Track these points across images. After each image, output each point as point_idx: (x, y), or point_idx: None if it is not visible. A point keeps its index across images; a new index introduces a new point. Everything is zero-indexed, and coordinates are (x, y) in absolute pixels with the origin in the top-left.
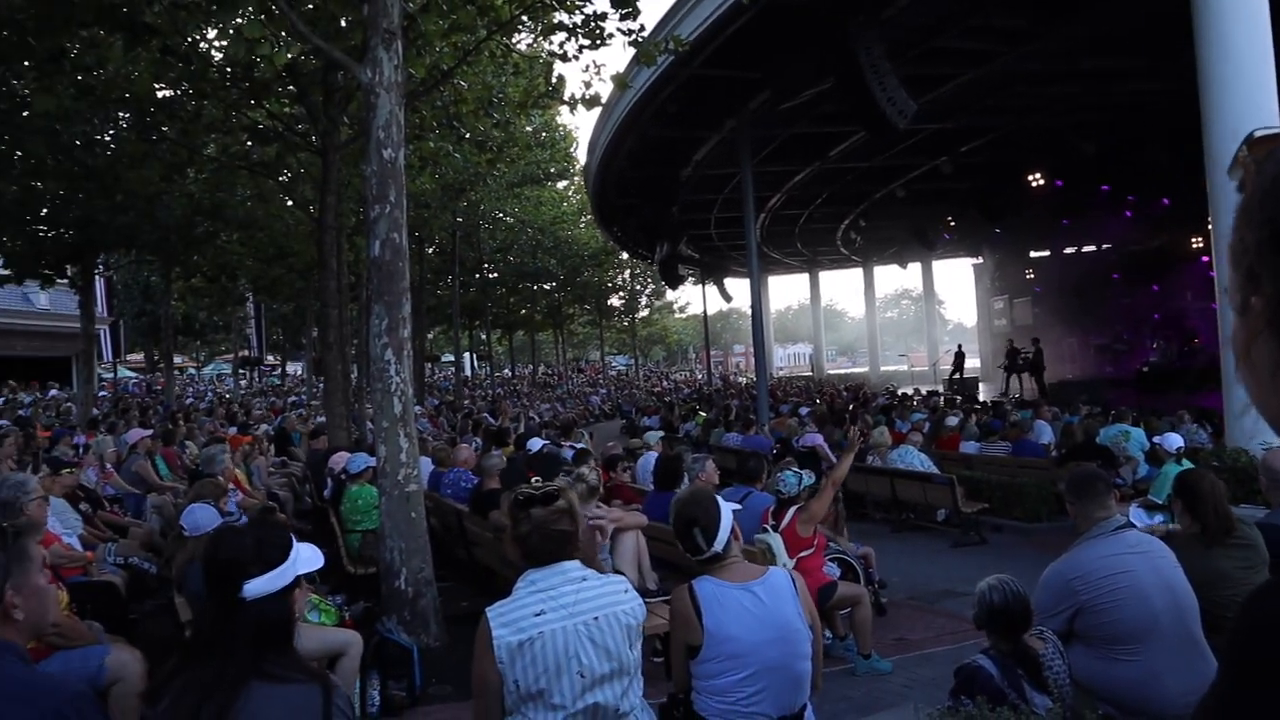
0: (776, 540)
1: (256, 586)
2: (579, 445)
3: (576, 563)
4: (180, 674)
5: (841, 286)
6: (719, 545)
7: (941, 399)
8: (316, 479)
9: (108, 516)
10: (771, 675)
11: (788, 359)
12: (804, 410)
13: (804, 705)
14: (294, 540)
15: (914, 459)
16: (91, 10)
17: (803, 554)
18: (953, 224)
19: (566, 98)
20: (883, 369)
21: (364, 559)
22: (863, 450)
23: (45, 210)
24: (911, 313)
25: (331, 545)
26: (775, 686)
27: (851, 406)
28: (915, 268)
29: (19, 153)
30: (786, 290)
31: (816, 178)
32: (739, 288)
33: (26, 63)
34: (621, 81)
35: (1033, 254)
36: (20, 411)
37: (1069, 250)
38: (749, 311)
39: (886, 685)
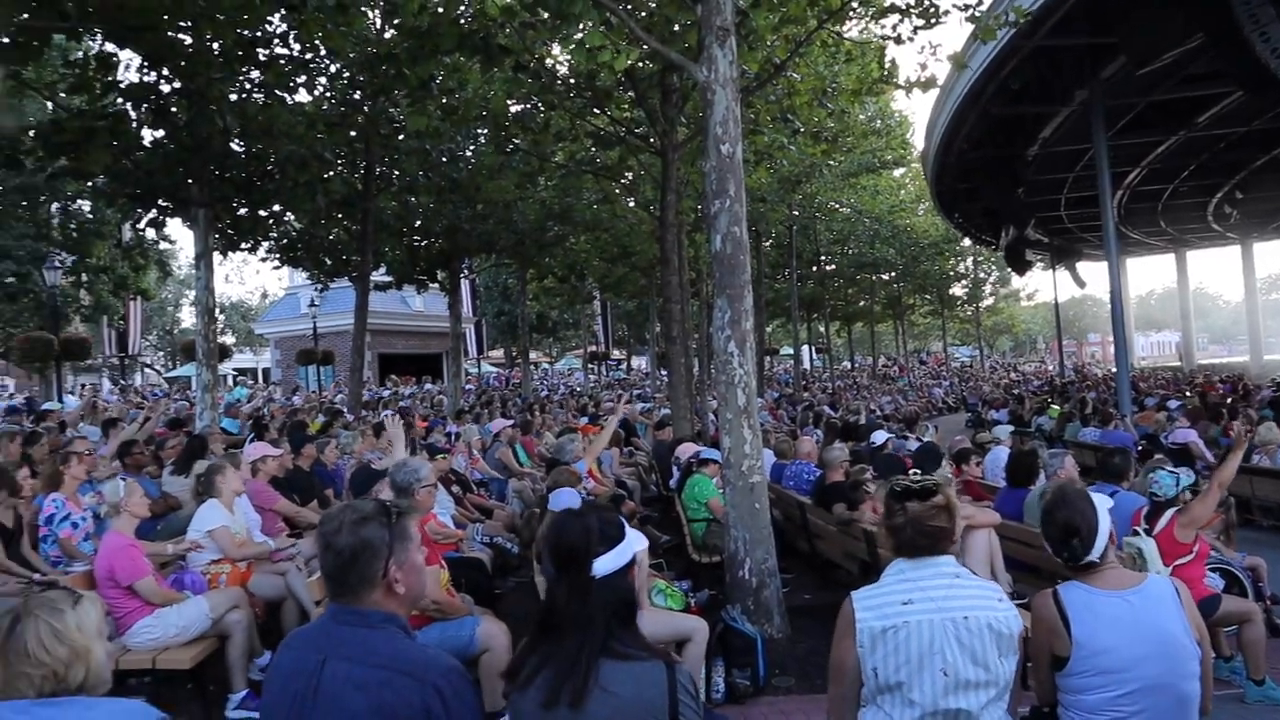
0: (1150, 545)
1: (604, 564)
2: (925, 439)
3: (951, 559)
4: (536, 650)
5: (1212, 267)
6: (1095, 553)
7: None
8: (662, 468)
9: (475, 499)
10: (1152, 694)
11: (1150, 348)
12: (1173, 404)
13: None
14: (624, 521)
15: None
16: (453, 39)
17: (1180, 561)
18: None
19: (901, 82)
20: (1266, 358)
21: (708, 547)
22: (1248, 449)
23: (418, 222)
24: None
25: (677, 533)
26: (1157, 707)
27: (1230, 400)
28: None
29: (396, 172)
30: (1148, 273)
31: (1181, 148)
32: (1093, 272)
33: (399, 91)
34: (959, 61)
35: None
36: (401, 403)
37: None
38: (1104, 297)
39: None
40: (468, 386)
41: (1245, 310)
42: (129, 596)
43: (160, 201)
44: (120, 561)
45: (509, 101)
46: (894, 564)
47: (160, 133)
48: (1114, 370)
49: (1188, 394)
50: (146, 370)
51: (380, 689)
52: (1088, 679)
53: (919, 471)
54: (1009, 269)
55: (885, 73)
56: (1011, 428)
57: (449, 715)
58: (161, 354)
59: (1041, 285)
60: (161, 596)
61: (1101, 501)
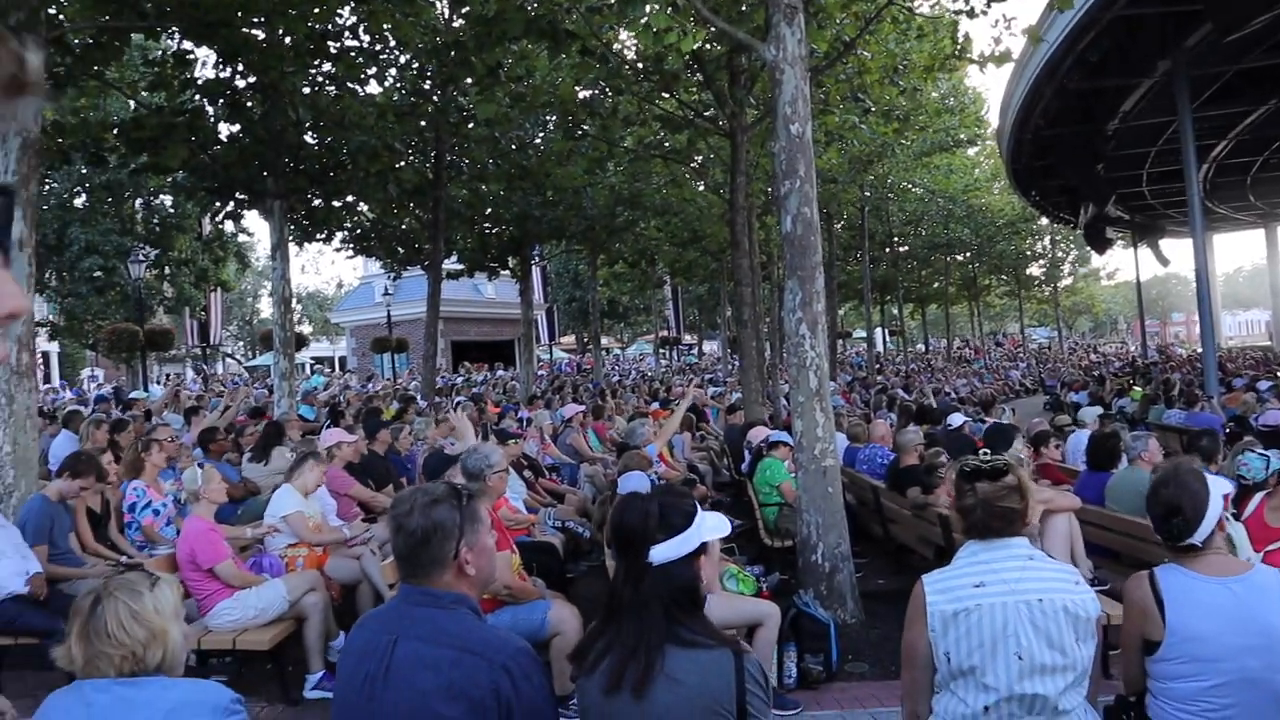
0: (1239, 530)
1: (662, 552)
2: (1003, 421)
3: (1025, 541)
4: (602, 635)
5: None
6: (1199, 536)
7: None
8: (734, 452)
9: (547, 484)
10: (1247, 689)
11: (1238, 327)
12: (1263, 385)
13: None
14: (698, 507)
15: None
16: (520, 24)
17: (1271, 547)
18: None
19: (975, 57)
20: None
21: (780, 532)
22: None
23: (489, 209)
24: None
25: (749, 517)
26: (1253, 703)
27: None
28: None
29: (466, 160)
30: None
31: (1271, 118)
32: (1178, 249)
33: (468, 80)
34: (1035, 34)
35: None
36: (474, 389)
37: None
38: (1189, 275)
39: None
40: (540, 372)
41: None
42: (209, 579)
43: (237, 195)
44: (201, 545)
45: (576, 87)
46: (966, 546)
47: (236, 127)
48: (1199, 351)
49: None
50: (227, 359)
51: (450, 668)
52: (1179, 666)
53: (989, 451)
54: (1088, 247)
55: (958, 48)
56: (1099, 410)
57: (518, 695)
58: (241, 343)
59: (1123, 264)
60: (241, 579)
61: (1217, 485)
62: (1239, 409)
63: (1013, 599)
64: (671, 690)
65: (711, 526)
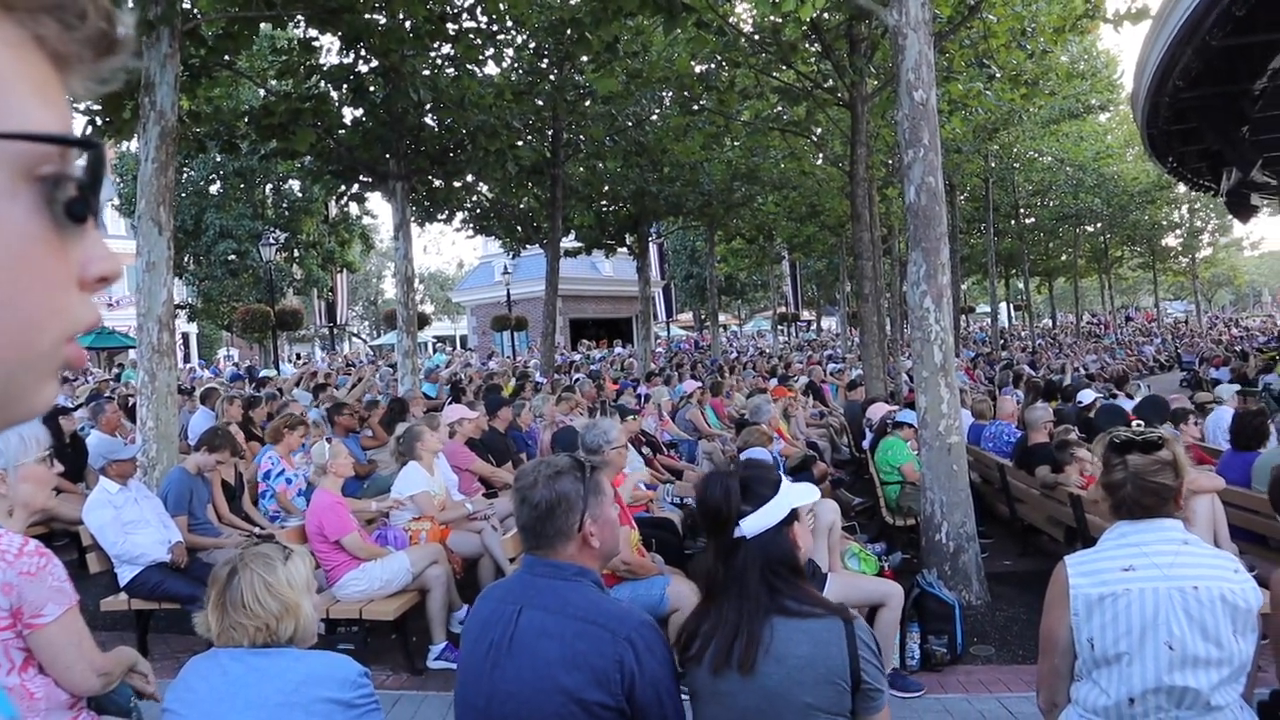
0: None
1: (752, 523)
2: (1135, 396)
3: (1178, 523)
4: (705, 618)
5: None
6: None
7: None
8: (854, 429)
9: (666, 460)
10: None
11: None
12: None
13: None
14: (783, 477)
15: None
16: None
17: None
18: None
19: (1109, 16)
20: None
21: (903, 510)
22: None
23: (606, 187)
24: None
25: (870, 494)
26: None
27: None
28: None
29: (583, 138)
30: None
31: None
32: None
33: (584, 57)
34: None
35: None
36: (592, 366)
37: None
38: None
39: None
40: (657, 349)
41: None
42: (337, 550)
43: (361, 177)
44: (328, 518)
45: (692, 61)
46: (1114, 527)
47: (359, 111)
48: None
49: None
50: (353, 339)
51: (574, 639)
52: None
53: (1142, 424)
54: (1230, 216)
55: (1090, 7)
56: (1237, 387)
57: (641, 668)
58: (367, 323)
59: (1268, 232)
60: (366, 551)
61: None
62: None
63: (1165, 585)
64: (782, 663)
65: (800, 493)
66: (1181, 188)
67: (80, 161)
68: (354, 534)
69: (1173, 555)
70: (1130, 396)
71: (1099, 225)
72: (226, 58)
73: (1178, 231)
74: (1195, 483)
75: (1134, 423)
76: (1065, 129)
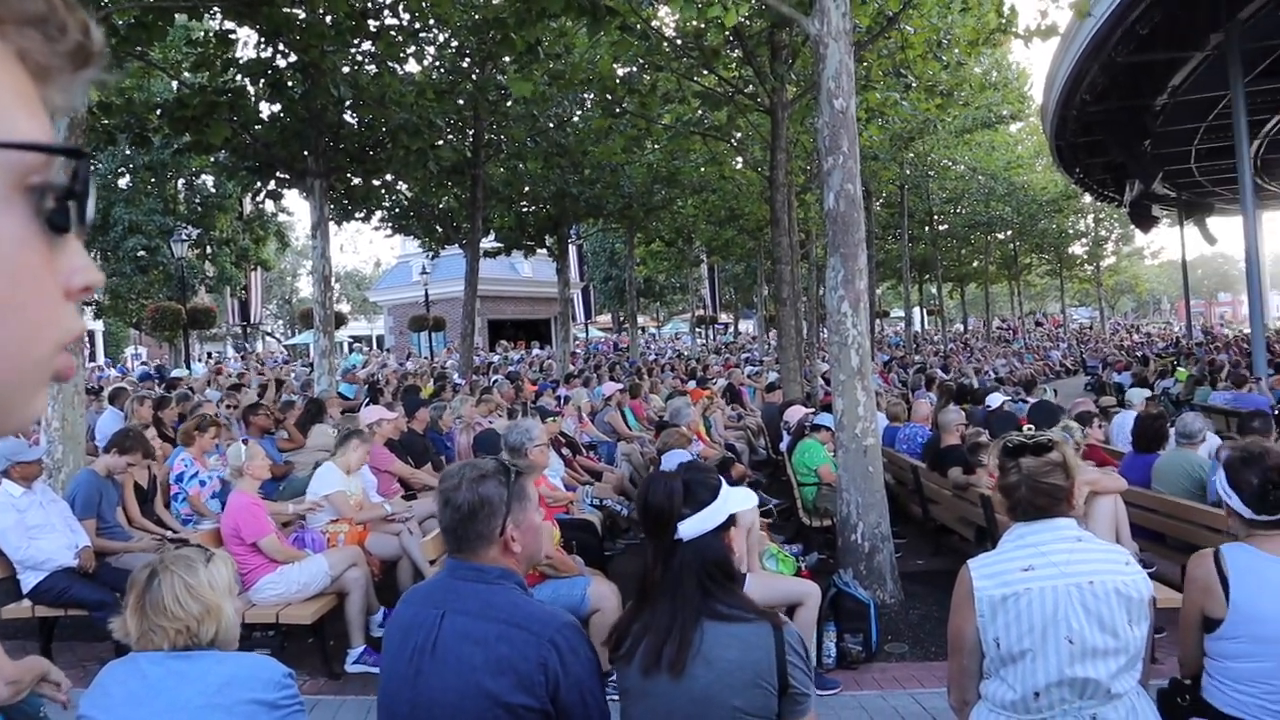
0: None
1: (690, 526)
2: (1043, 400)
3: (1072, 521)
4: (637, 618)
5: None
6: None
7: None
8: (771, 431)
9: (585, 462)
10: None
11: None
12: None
13: None
14: (723, 482)
15: None
16: (560, 1)
17: None
18: None
19: (1020, 31)
20: None
21: (819, 511)
22: None
23: (527, 188)
24: None
25: (787, 496)
26: None
27: None
28: None
29: (505, 138)
30: None
31: None
32: (1224, 227)
33: (508, 57)
34: (1083, 8)
35: None
36: (511, 368)
37: None
38: (1235, 254)
39: None
40: (575, 351)
41: None
42: (253, 553)
43: (278, 174)
44: (245, 520)
45: (615, 64)
46: (1012, 529)
47: (277, 106)
48: (1246, 331)
49: None
50: (267, 338)
51: (497, 643)
52: (1240, 645)
53: (1034, 429)
54: (1133, 226)
55: (1003, 21)
56: (1147, 392)
57: (565, 670)
58: (281, 322)
59: (1168, 242)
60: (284, 554)
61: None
62: None
63: (1063, 582)
64: (711, 666)
65: (739, 499)
66: (1088, 198)
67: (63, 171)
68: (271, 536)
69: (1068, 553)
70: (1040, 400)
71: (1009, 233)
72: (139, 49)
73: (1083, 240)
74: (1099, 484)
75: (1025, 427)
76: (978, 138)
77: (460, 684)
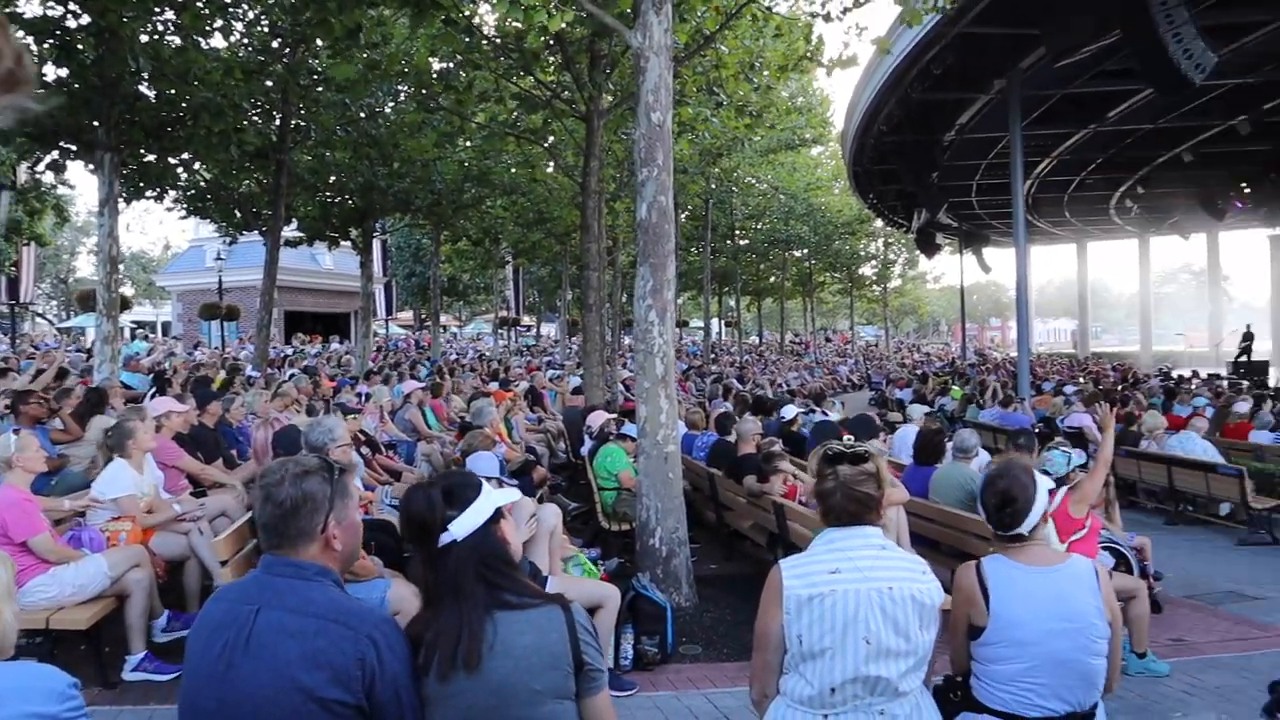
0: (1048, 523)
1: (461, 525)
2: (830, 415)
3: (879, 530)
4: (428, 624)
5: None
6: (1026, 526)
7: (1225, 383)
8: (572, 434)
9: (384, 461)
10: (1058, 669)
11: (1047, 335)
12: (1069, 389)
13: (1095, 704)
14: (482, 480)
15: (1196, 446)
16: None
17: (1074, 537)
18: (1247, 191)
19: (825, 61)
20: (1155, 348)
21: (618, 515)
22: (1135, 435)
23: (333, 178)
24: (1192, 288)
25: (587, 499)
26: (1061, 682)
27: (1120, 387)
28: (1199, 239)
29: (313, 125)
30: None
31: (1090, 141)
32: (998, 258)
33: (321, 41)
34: (884, 45)
35: None
36: (307, 361)
37: None
38: (1006, 283)
39: (1163, 689)
40: (379, 346)
41: (1139, 302)
42: (23, 553)
43: (62, 143)
44: (14, 516)
45: (432, 58)
46: (823, 533)
47: (65, 71)
48: (1012, 354)
49: (1081, 379)
50: (38, 320)
51: (315, 637)
52: (1000, 649)
53: (854, 439)
54: (919, 251)
55: (811, 50)
56: (926, 408)
57: (382, 666)
58: (55, 303)
59: (948, 269)
60: (58, 554)
61: (1044, 482)
62: (1048, 410)
63: (865, 586)
64: (509, 655)
65: (501, 494)
66: (879, 222)
67: None
68: (44, 535)
69: (872, 559)
70: (826, 413)
71: (805, 251)
72: None
73: (873, 262)
74: (887, 495)
75: (845, 437)
76: (781, 159)
77: (274, 678)
